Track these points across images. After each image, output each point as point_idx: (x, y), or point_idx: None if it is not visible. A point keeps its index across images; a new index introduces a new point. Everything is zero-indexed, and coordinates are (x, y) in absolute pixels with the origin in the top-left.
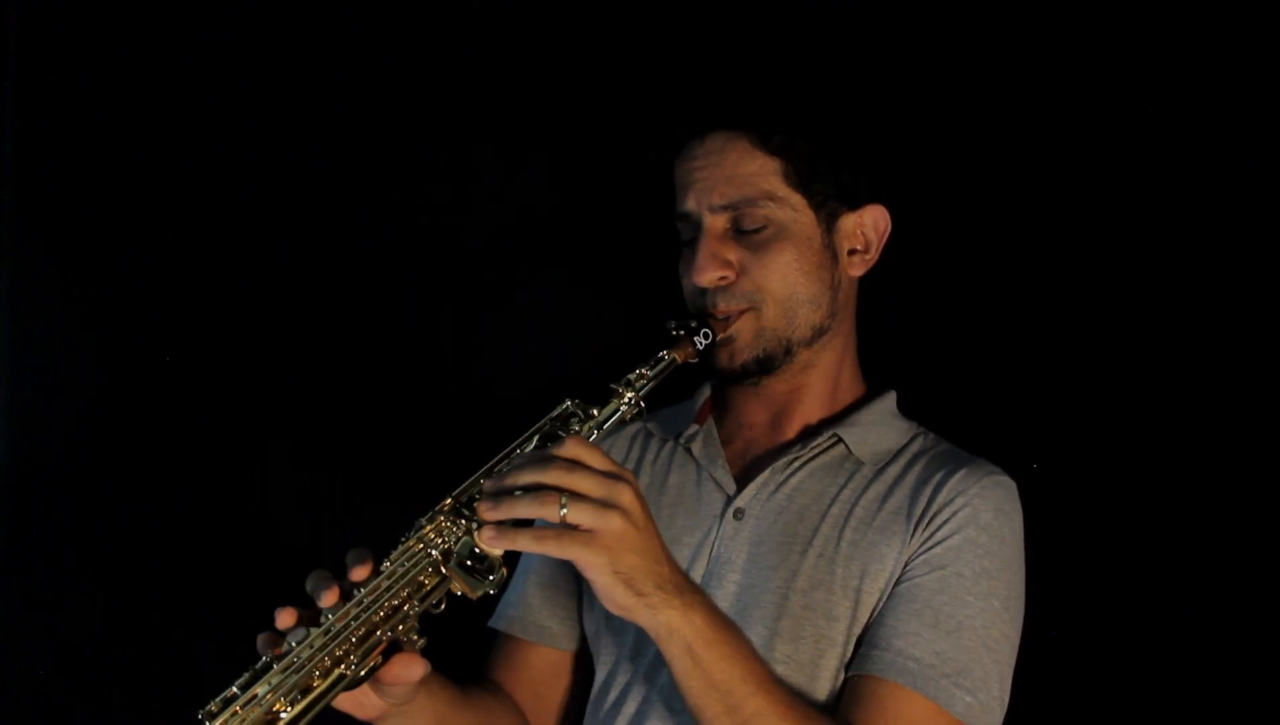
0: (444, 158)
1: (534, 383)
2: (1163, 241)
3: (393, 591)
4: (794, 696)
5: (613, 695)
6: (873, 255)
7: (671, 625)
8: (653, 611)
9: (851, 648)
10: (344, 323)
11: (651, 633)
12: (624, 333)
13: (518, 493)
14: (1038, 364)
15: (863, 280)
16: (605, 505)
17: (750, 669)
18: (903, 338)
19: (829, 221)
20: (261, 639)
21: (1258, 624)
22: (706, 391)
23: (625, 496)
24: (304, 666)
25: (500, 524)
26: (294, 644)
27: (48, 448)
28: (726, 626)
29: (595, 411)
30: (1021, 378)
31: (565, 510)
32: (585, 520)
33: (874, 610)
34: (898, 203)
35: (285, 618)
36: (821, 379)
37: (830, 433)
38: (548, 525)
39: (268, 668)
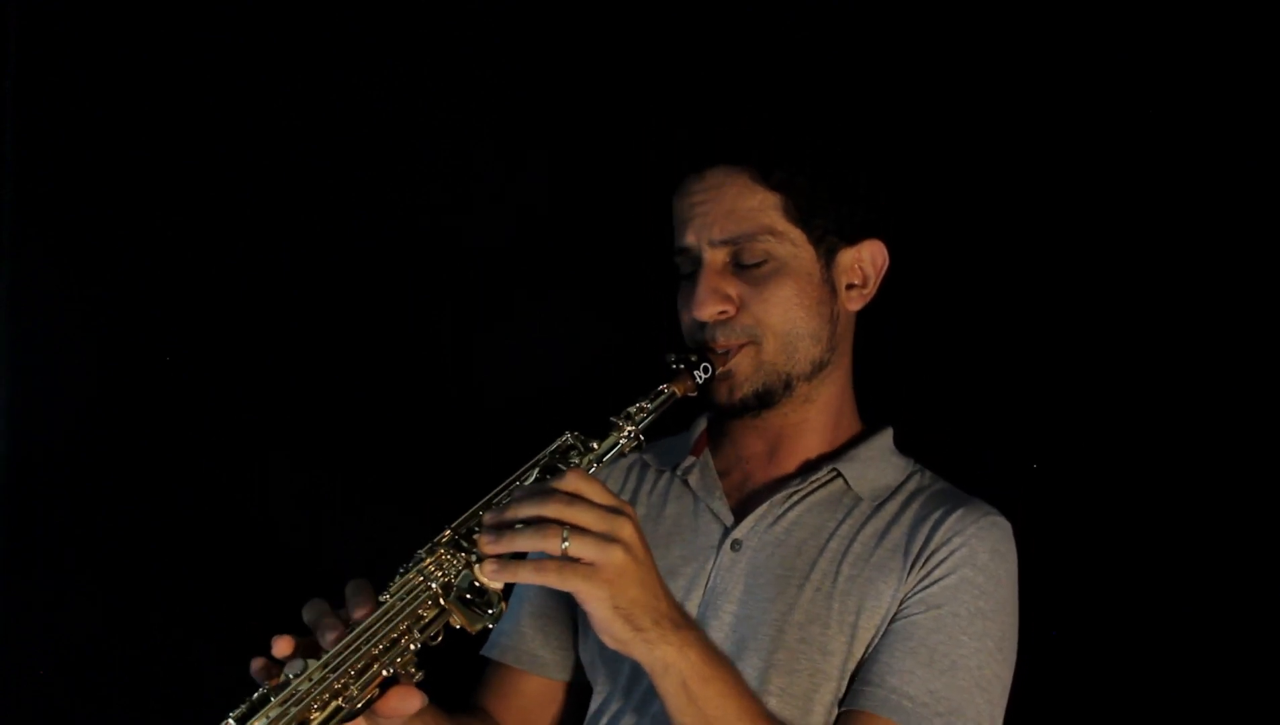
0: (444, 158)
1: (533, 383)
2: (1160, 276)
3: (392, 624)
4: None
5: (603, 722)
6: (870, 290)
7: (667, 660)
8: (649, 646)
9: (846, 683)
10: (344, 323)
11: (647, 667)
12: (623, 332)
13: (518, 526)
14: (1034, 397)
15: (859, 316)
16: (607, 539)
17: (745, 706)
18: (897, 373)
19: (828, 256)
20: (258, 667)
21: (1257, 624)
22: (703, 423)
23: (626, 530)
24: (302, 700)
25: (501, 557)
26: (292, 676)
27: (48, 448)
28: (721, 663)
29: (595, 444)
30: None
31: (567, 543)
32: (587, 554)
33: (869, 646)
34: (895, 238)
35: (282, 646)
36: (821, 413)
37: (830, 467)
38: (549, 558)
39: (265, 700)
